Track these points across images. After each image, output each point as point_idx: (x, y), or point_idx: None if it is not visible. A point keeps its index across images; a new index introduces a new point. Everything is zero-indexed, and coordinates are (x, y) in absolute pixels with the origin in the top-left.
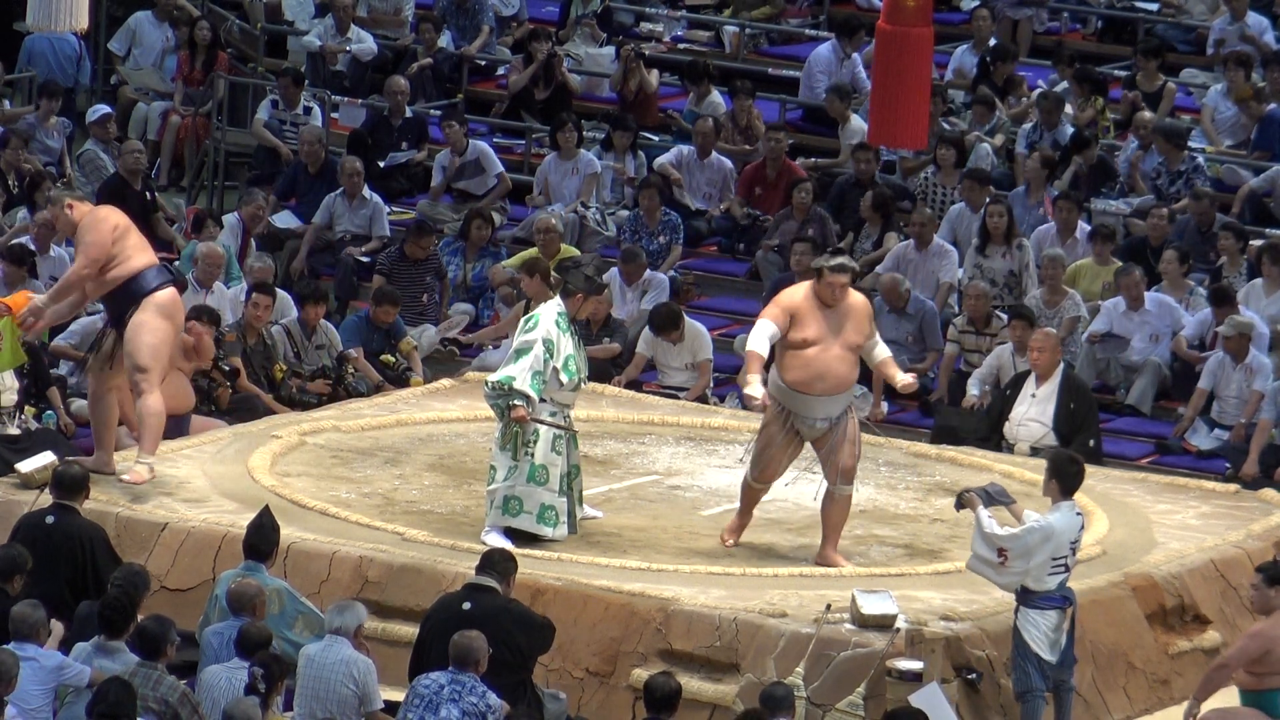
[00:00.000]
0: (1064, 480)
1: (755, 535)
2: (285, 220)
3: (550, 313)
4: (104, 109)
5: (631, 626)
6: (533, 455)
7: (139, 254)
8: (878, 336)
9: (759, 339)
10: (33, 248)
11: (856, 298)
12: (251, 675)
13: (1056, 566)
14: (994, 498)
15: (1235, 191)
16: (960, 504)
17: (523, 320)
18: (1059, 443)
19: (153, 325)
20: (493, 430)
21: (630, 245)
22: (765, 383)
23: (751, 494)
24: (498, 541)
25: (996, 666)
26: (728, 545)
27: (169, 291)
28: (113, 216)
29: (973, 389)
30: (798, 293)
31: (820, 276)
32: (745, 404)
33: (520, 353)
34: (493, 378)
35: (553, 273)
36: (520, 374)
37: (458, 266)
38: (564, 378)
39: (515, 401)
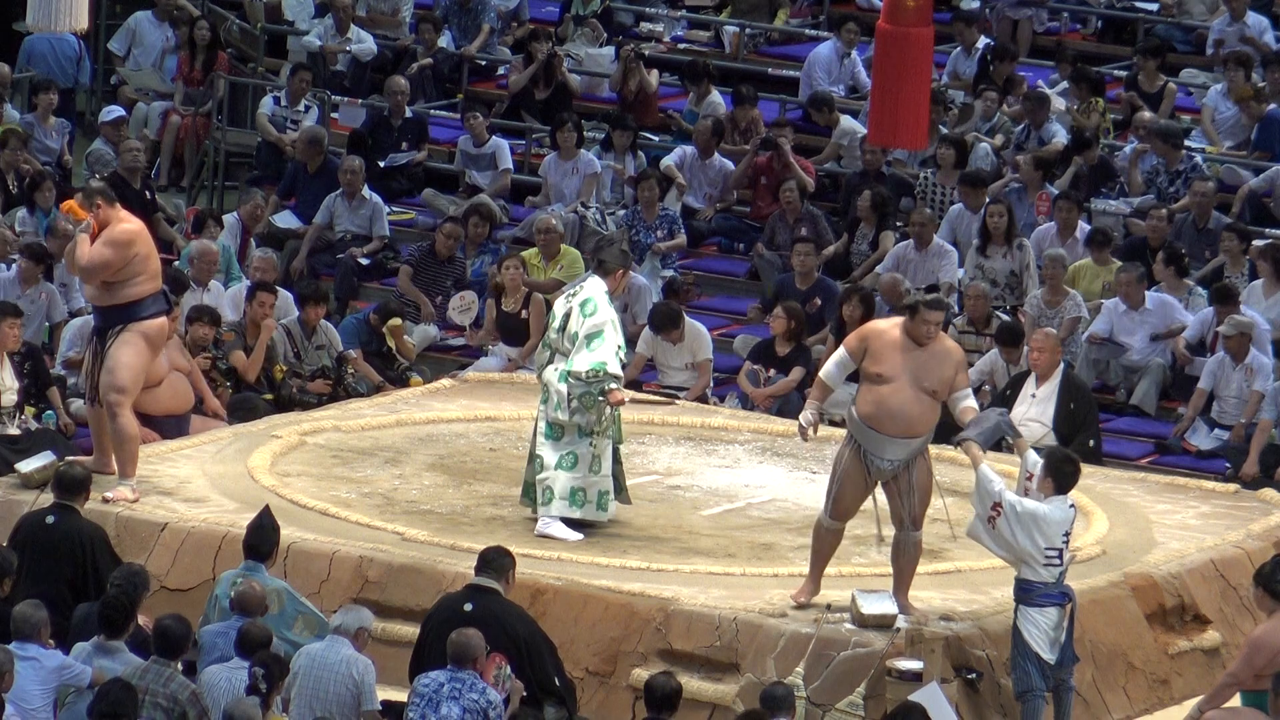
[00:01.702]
0: (1059, 479)
1: (755, 535)
2: (285, 220)
3: (601, 293)
4: (118, 111)
5: (631, 626)
6: (595, 444)
7: (150, 282)
8: (969, 390)
9: (831, 367)
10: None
11: (949, 344)
12: (252, 675)
13: (1051, 557)
14: (992, 435)
15: (1235, 191)
16: (957, 444)
17: (577, 306)
18: (1059, 443)
19: (138, 349)
20: (493, 430)
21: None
22: (819, 414)
23: (827, 540)
24: (560, 531)
25: (996, 666)
26: (799, 600)
27: (159, 321)
28: (140, 242)
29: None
30: (886, 324)
31: (914, 314)
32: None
33: (593, 337)
34: (580, 367)
35: (587, 254)
36: (609, 358)
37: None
38: (622, 355)
39: (612, 385)
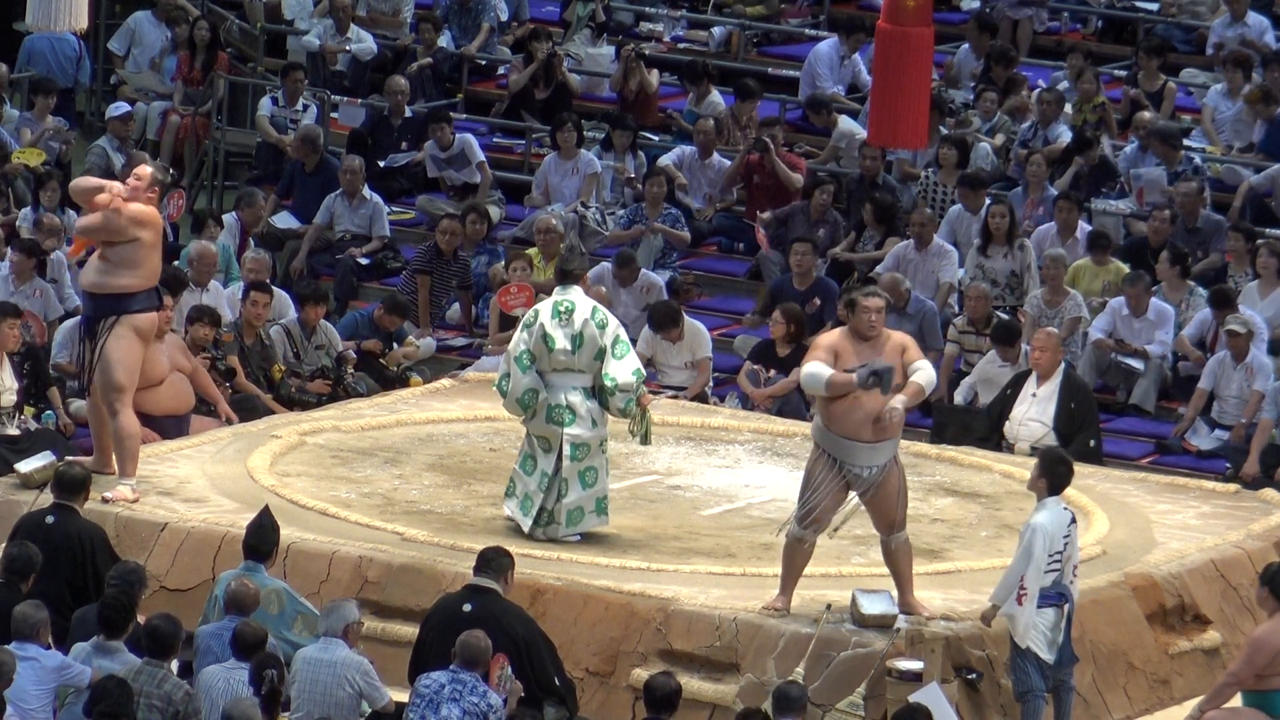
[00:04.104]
0: (1053, 479)
1: (755, 535)
2: (285, 221)
3: (593, 301)
4: (125, 106)
5: (631, 626)
6: (606, 452)
7: (147, 278)
8: (922, 363)
9: (822, 366)
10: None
11: (895, 337)
12: (267, 678)
13: (1053, 563)
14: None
15: (1235, 191)
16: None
17: (590, 320)
18: (1059, 442)
19: (130, 342)
20: (492, 430)
21: (625, 249)
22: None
23: (801, 553)
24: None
25: (996, 666)
26: (775, 610)
27: (150, 316)
28: (149, 228)
29: (959, 398)
30: (832, 336)
31: (854, 308)
32: (889, 416)
33: (616, 344)
34: (625, 377)
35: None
36: (639, 363)
37: None
38: None
39: (644, 389)
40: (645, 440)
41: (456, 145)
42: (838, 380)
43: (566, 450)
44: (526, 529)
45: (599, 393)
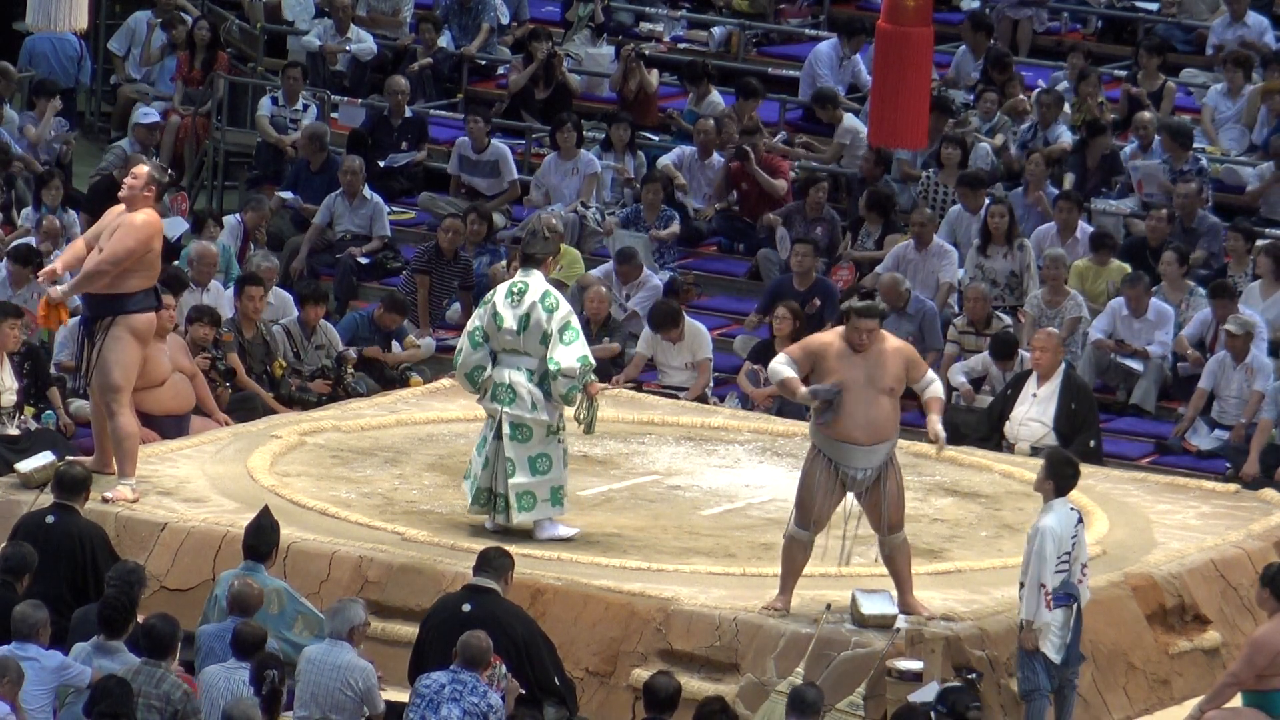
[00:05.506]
0: (1059, 481)
1: (755, 535)
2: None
3: (549, 285)
4: (154, 115)
5: (631, 626)
6: (563, 440)
7: (147, 279)
8: (931, 376)
9: (786, 370)
10: (39, 248)
11: (892, 342)
12: (268, 678)
13: (1061, 564)
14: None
15: (1235, 191)
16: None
17: (538, 303)
18: (1059, 443)
19: (127, 343)
20: None
21: (626, 245)
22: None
23: (800, 553)
24: (563, 531)
25: (996, 666)
26: (775, 610)
27: (148, 316)
28: (156, 239)
29: (959, 375)
30: (827, 337)
31: (848, 320)
32: (818, 416)
33: (565, 330)
34: (569, 362)
35: (521, 252)
36: (587, 350)
37: None
38: None
39: (591, 377)
40: (589, 429)
41: (491, 153)
42: (792, 388)
43: (506, 430)
44: (467, 506)
45: (544, 379)
